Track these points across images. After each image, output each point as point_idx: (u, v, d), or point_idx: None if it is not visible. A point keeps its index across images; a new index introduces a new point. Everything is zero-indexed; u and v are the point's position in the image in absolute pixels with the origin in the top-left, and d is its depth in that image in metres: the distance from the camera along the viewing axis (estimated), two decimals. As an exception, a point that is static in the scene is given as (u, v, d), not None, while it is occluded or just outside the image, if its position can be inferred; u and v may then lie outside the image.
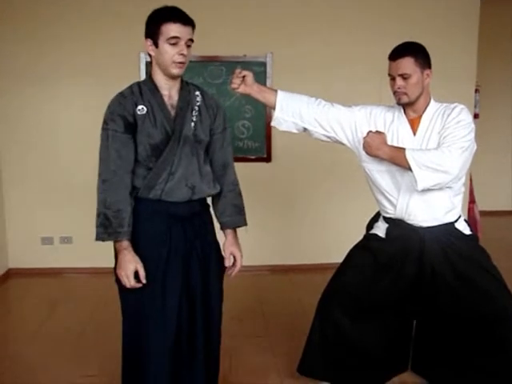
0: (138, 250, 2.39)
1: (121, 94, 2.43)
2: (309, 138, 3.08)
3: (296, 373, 3.18)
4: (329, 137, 2.94)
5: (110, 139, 2.36)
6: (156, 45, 2.32)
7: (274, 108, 2.89)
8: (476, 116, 6.61)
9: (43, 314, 4.32)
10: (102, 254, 5.27)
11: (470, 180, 5.65)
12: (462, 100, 2.85)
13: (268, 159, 5.31)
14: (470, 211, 5.60)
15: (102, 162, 2.39)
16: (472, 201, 5.69)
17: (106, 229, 2.36)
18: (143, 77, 5.07)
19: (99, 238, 2.40)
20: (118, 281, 2.45)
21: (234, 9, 4.96)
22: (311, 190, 5.44)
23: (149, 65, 5.04)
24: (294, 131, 2.94)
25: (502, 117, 8.20)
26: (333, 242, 4.83)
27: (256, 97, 2.83)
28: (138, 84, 2.44)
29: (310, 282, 3.90)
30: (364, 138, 2.78)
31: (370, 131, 2.78)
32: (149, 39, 2.34)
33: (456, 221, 2.88)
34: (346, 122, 2.89)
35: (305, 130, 2.93)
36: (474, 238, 2.97)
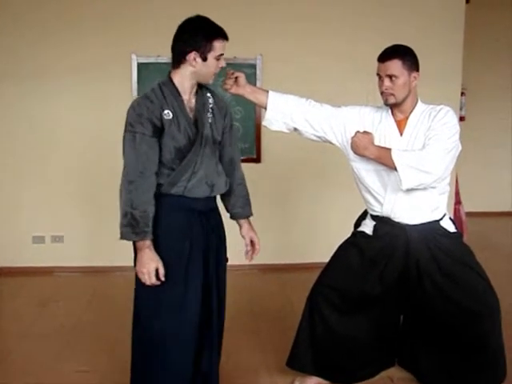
0: (161, 241, 2.51)
1: (147, 98, 2.48)
2: (298, 138, 3.15)
3: (286, 369, 3.23)
4: (318, 136, 3.01)
5: (137, 141, 2.42)
6: (205, 59, 2.46)
7: (266, 108, 2.96)
8: (462, 119, 6.72)
9: (34, 312, 4.34)
10: (93, 253, 5.37)
11: (456, 181, 5.72)
12: (447, 103, 2.91)
13: (258, 160, 5.36)
14: (456, 212, 5.66)
15: (128, 163, 2.45)
16: (458, 202, 5.76)
17: (133, 228, 2.43)
18: (135, 78, 5.12)
19: (126, 237, 2.48)
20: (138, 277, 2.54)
21: (223, 11, 5.01)
22: (300, 190, 5.48)
23: (141, 66, 5.11)
24: (285, 131, 3.01)
25: (488, 119, 8.26)
26: (322, 242, 4.88)
27: (248, 97, 2.89)
28: (160, 86, 2.51)
29: (299, 281, 3.96)
30: (352, 137, 2.85)
31: (358, 131, 2.85)
32: (195, 52, 2.44)
33: (441, 219, 2.96)
34: (335, 122, 2.96)
35: (295, 129, 3.00)
36: (458, 235, 3.05)
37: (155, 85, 2.53)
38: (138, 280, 2.56)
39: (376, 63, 2.84)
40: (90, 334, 3.90)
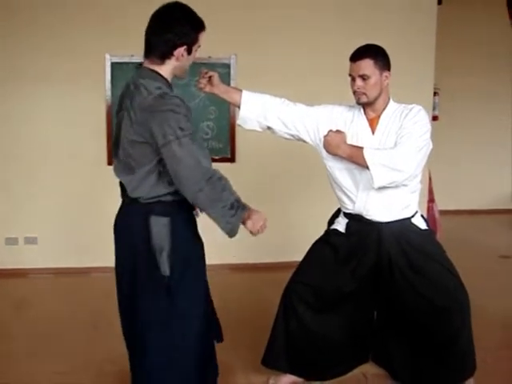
0: (192, 251, 2.41)
1: (177, 97, 2.23)
2: (272, 138, 3.18)
3: (260, 367, 3.25)
4: (292, 135, 3.03)
5: (193, 141, 2.19)
6: (190, 51, 2.33)
7: (239, 107, 2.97)
8: (436, 118, 6.77)
9: (10, 314, 4.31)
10: (67, 255, 5.33)
11: (430, 179, 5.78)
12: (420, 102, 2.95)
13: (232, 159, 5.37)
14: (430, 210, 5.72)
15: (199, 162, 2.17)
16: (431, 200, 5.82)
17: (238, 210, 2.28)
18: (108, 78, 5.11)
19: (236, 227, 2.33)
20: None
21: (197, 10, 5.00)
22: (275, 189, 5.51)
23: (114, 65, 5.08)
24: (259, 130, 3.03)
25: (461, 119, 8.36)
26: (296, 241, 4.88)
27: (222, 96, 2.90)
28: (162, 87, 2.26)
29: (274, 280, 3.95)
30: (324, 136, 2.88)
31: (331, 130, 2.88)
32: (185, 46, 2.29)
33: (412, 216, 3.00)
34: (308, 121, 2.98)
35: (269, 128, 3.01)
36: (429, 232, 3.10)
37: (156, 85, 2.23)
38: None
39: (348, 62, 2.86)
40: (66, 336, 3.87)
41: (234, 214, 2.25)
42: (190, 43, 2.31)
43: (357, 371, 3.34)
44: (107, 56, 5.10)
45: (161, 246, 2.26)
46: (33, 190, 5.28)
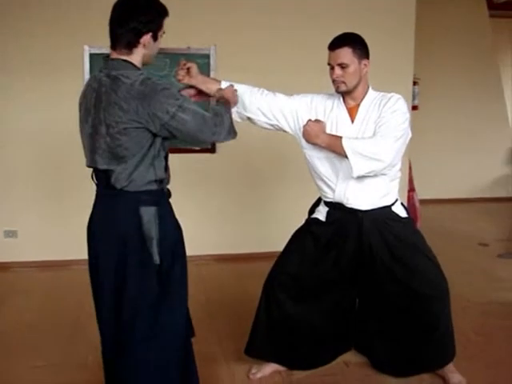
0: (178, 238, 2.47)
1: (162, 81, 2.34)
2: (252, 129, 3.17)
3: (243, 357, 3.26)
4: (271, 125, 3.03)
5: (191, 103, 2.35)
6: (156, 38, 2.36)
7: None
8: (415, 108, 6.82)
9: (-10, 308, 4.28)
10: (48, 248, 5.30)
11: (410, 169, 5.83)
12: (400, 92, 2.95)
13: (212, 150, 5.36)
14: (410, 199, 5.77)
15: (203, 116, 2.35)
16: (412, 189, 5.87)
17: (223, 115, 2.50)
18: (87, 69, 5.06)
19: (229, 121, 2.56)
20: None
21: (177, 0, 4.99)
22: (255, 180, 5.51)
23: (93, 57, 5.04)
24: (238, 120, 3.01)
25: (440, 108, 8.43)
26: (277, 231, 4.89)
27: (200, 87, 2.88)
28: (143, 73, 2.33)
29: (255, 271, 3.97)
30: (303, 126, 2.89)
31: (310, 120, 2.88)
32: (151, 32, 2.32)
33: (392, 204, 3.02)
34: (287, 111, 2.98)
35: (248, 118, 3.01)
36: (409, 220, 3.12)
37: (134, 73, 2.28)
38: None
39: (327, 52, 2.87)
40: (46, 330, 3.85)
41: (230, 117, 2.56)
42: (156, 30, 2.35)
43: (339, 360, 3.37)
44: (86, 47, 5.05)
45: (151, 235, 2.31)
46: (12, 184, 5.23)
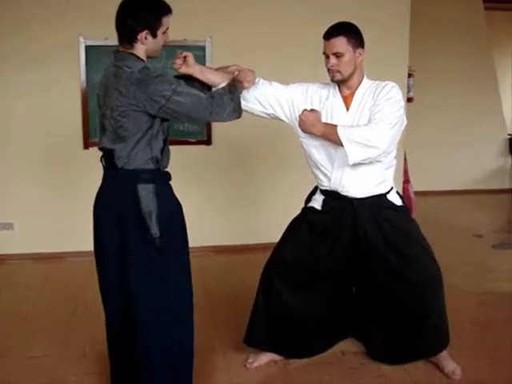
0: (176, 212, 2.61)
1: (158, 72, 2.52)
2: (248, 121, 3.17)
3: (240, 346, 3.30)
4: (267, 114, 3.04)
5: (182, 84, 2.50)
6: (154, 35, 2.49)
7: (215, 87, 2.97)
8: (410, 100, 6.84)
9: (-13, 300, 4.28)
10: (43, 240, 5.30)
11: (405, 160, 5.84)
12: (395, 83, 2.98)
13: (208, 142, 5.36)
14: (405, 191, 5.78)
15: (198, 97, 2.51)
16: (407, 180, 5.88)
17: (233, 95, 2.64)
18: (83, 61, 5.06)
19: (239, 102, 2.69)
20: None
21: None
22: (252, 171, 5.52)
23: (89, 49, 5.04)
24: None
25: (435, 101, 8.44)
26: (274, 222, 4.91)
27: (198, 77, 2.88)
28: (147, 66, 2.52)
29: (252, 261, 4.00)
30: (299, 115, 2.91)
31: (305, 109, 2.90)
32: (146, 30, 2.46)
33: (388, 192, 3.04)
34: (283, 100, 2.99)
35: (244, 107, 3.01)
36: (404, 209, 3.15)
37: (136, 63, 2.46)
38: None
39: (322, 43, 2.88)
40: (43, 321, 3.86)
41: (232, 97, 2.63)
42: (153, 27, 2.48)
43: (335, 348, 3.39)
44: (81, 39, 5.04)
45: (149, 210, 2.46)
46: (7, 176, 5.23)
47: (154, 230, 2.46)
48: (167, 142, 2.61)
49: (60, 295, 4.34)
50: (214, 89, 2.85)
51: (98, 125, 2.64)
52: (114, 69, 2.49)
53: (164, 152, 2.57)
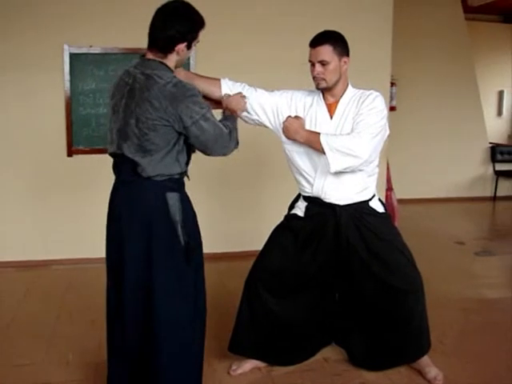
0: (196, 222, 2.66)
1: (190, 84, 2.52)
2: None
3: (223, 354, 3.31)
4: (252, 119, 3.07)
5: (211, 115, 2.52)
6: (189, 47, 2.53)
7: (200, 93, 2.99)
8: (393, 108, 6.91)
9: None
10: (28, 248, 5.27)
11: (388, 168, 5.87)
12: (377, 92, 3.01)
13: (193, 150, 5.36)
14: (388, 198, 5.79)
15: (221, 129, 2.57)
16: (389, 188, 5.90)
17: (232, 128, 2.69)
18: (67, 68, 5.05)
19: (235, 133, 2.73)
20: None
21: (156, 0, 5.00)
22: (235, 179, 5.54)
23: (73, 57, 5.03)
24: None
25: (418, 109, 8.52)
26: (258, 230, 4.94)
27: None
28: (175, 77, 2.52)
29: (235, 269, 4.00)
30: (283, 122, 2.94)
31: (289, 116, 2.94)
32: (186, 42, 2.48)
33: (370, 199, 3.07)
34: (268, 106, 3.02)
35: None
36: (386, 215, 3.18)
37: (168, 75, 2.45)
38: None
39: (307, 51, 2.92)
40: (27, 329, 3.83)
41: (236, 132, 2.72)
42: (190, 40, 2.50)
43: (318, 356, 3.40)
44: (65, 47, 5.03)
45: (176, 219, 2.51)
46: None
47: (182, 238, 2.51)
48: (191, 154, 2.65)
49: (43, 303, 4.32)
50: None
51: (112, 130, 2.56)
52: (142, 77, 2.44)
53: (188, 163, 2.63)
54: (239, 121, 2.99)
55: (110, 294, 2.66)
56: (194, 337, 2.65)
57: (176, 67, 2.59)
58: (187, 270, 2.55)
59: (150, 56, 2.51)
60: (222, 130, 2.55)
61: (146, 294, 2.51)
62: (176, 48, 2.47)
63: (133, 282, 2.52)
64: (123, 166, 2.54)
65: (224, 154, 2.71)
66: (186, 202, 2.58)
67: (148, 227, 2.48)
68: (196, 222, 2.67)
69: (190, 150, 2.61)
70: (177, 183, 2.55)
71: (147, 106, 2.39)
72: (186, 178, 2.67)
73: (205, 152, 2.60)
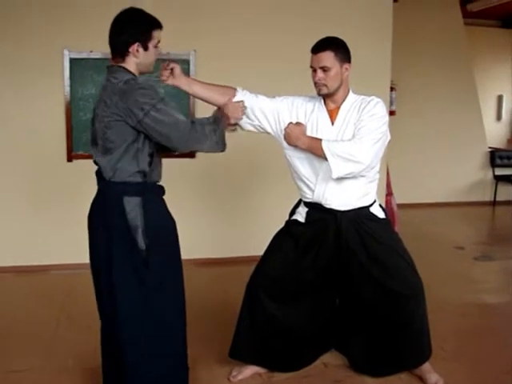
0: (165, 227, 2.64)
1: (150, 85, 2.53)
2: (231, 133, 3.19)
3: (223, 360, 3.30)
4: (254, 125, 3.06)
5: (167, 104, 2.50)
6: (146, 48, 2.56)
7: (202, 99, 2.99)
8: (392, 113, 6.90)
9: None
10: (26, 253, 5.26)
11: (387, 173, 5.88)
12: (377, 97, 3.01)
13: (192, 155, 5.36)
14: (388, 203, 5.80)
15: (177, 120, 2.49)
16: (389, 193, 5.91)
17: (217, 128, 2.66)
18: (67, 73, 5.05)
19: (222, 138, 2.72)
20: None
21: (157, 6, 5.00)
22: (236, 184, 5.53)
23: (73, 62, 5.04)
24: None
25: (417, 114, 8.54)
26: (257, 235, 4.93)
27: (184, 89, 2.91)
28: (135, 79, 2.56)
29: (235, 274, 4.00)
30: (285, 128, 2.94)
31: (291, 122, 2.94)
32: (138, 43, 2.53)
33: (371, 205, 3.07)
34: (269, 112, 3.02)
35: None
36: (387, 221, 3.18)
37: (123, 75, 2.51)
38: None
39: (307, 58, 2.93)
40: (25, 334, 3.82)
41: (216, 129, 2.64)
42: (143, 40, 2.55)
43: (318, 361, 3.39)
44: (65, 52, 5.03)
45: (135, 223, 2.49)
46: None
47: (140, 243, 2.49)
48: (156, 156, 2.60)
49: (42, 308, 4.31)
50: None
51: (90, 138, 2.68)
52: (104, 82, 2.56)
53: (152, 165, 2.58)
54: (241, 134, 3.00)
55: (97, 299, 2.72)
56: (165, 344, 2.61)
57: (144, 72, 2.63)
58: (148, 273, 2.51)
59: (112, 63, 2.60)
60: (177, 118, 2.49)
61: (110, 297, 2.53)
62: (130, 49, 2.52)
63: (103, 286, 2.58)
64: (97, 172, 2.62)
65: (197, 149, 2.72)
66: (152, 208, 2.56)
67: (108, 232, 2.51)
68: (168, 229, 2.66)
69: (154, 151, 2.58)
70: (139, 187, 2.54)
71: (102, 105, 2.48)
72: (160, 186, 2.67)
73: (169, 145, 2.53)
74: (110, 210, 2.52)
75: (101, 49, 4.97)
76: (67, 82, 5.09)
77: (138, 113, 2.42)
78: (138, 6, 2.61)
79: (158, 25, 2.60)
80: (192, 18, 5.24)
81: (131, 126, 2.46)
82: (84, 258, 5.44)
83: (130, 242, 2.48)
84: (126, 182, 2.52)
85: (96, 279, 2.65)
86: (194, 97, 3.13)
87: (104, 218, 2.54)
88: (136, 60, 2.56)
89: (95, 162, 2.61)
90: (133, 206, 2.50)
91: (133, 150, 2.50)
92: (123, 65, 2.55)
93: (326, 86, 2.88)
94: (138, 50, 2.53)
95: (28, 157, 5.16)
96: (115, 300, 2.50)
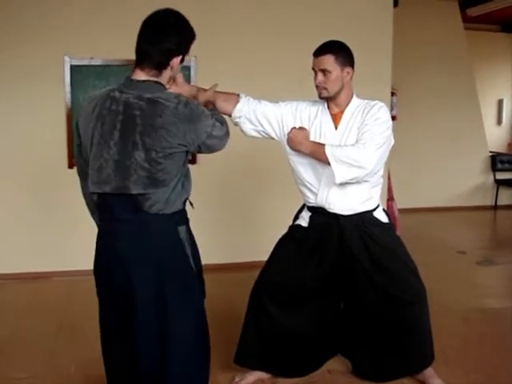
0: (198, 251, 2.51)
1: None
2: (234, 139, 3.18)
3: (226, 365, 3.29)
4: (257, 131, 3.06)
5: (215, 114, 2.38)
6: (183, 60, 2.30)
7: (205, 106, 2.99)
8: (393, 118, 6.90)
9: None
10: (27, 260, 5.25)
11: (389, 178, 5.88)
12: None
13: (193, 161, 5.36)
14: (389, 208, 5.79)
15: (222, 129, 2.33)
16: (391, 198, 5.91)
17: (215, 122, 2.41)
18: (67, 80, 5.06)
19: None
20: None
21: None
22: (237, 189, 5.53)
23: (74, 69, 5.04)
24: None
25: (418, 119, 8.57)
26: (259, 240, 4.93)
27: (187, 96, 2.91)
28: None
29: (238, 280, 3.99)
30: (288, 133, 2.94)
31: (294, 127, 2.94)
32: (181, 55, 2.25)
33: (374, 209, 3.06)
34: (272, 117, 3.02)
35: (235, 124, 3.04)
36: (390, 226, 3.17)
37: (170, 95, 2.20)
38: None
39: (308, 62, 2.94)
40: (27, 342, 3.82)
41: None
42: (185, 52, 2.27)
43: (323, 368, 3.37)
44: (66, 58, 5.04)
45: (187, 252, 2.36)
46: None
47: (195, 271, 2.45)
48: None
49: (45, 315, 4.30)
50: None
51: (101, 168, 2.20)
52: (143, 103, 2.15)
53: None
54: (243, 135, 2.99)
55: (105, 313, 2.43)
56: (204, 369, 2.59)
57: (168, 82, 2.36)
58: (202, 302, 2.53)
59: (141, 76, 2.21)
60: (224, 128, 2.31)
61: (161, 341, 2.32)
62: (171, 62, 2.21)
63: (147, 326, 2.29)
64: (120, 205, 2.22)
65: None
66: (191, 234, 2.43)
67: (161, 268, 2.26)
68: (198, 252, 2.51)
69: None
70: (183, 214, 2.37)
71: (162, 133, 2.11)
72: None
73: (210, 152, 2.36)
74: (166, 243, 2.28)
75: (101, 55, 5.00)
76: (68, 88, 5.09)
77: (202, 136, 2.21)
78: None
79: (195, 35, 2.33)
80: (192, 24, 5.22)
81: (187, 152, 2.24)
82: (86, 264, 5.44)
83: (186, 266, 2.37)
84: (175, 212, 2.28)
85: (120, 318, 2.33)
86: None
87: (155, 253, 2.25)
88: (170, 74, 2.26)
89: (107, 194, 2.22)
90: (183, 234, 2.34)
91: (182, 178, 2.29)
92: (159, 79, 2.22)
93: (326, 89, 2.88)
94: (177, 64, 2.24)
95: (29, 163, 5.16)
96: (167, 346, 2.33)
